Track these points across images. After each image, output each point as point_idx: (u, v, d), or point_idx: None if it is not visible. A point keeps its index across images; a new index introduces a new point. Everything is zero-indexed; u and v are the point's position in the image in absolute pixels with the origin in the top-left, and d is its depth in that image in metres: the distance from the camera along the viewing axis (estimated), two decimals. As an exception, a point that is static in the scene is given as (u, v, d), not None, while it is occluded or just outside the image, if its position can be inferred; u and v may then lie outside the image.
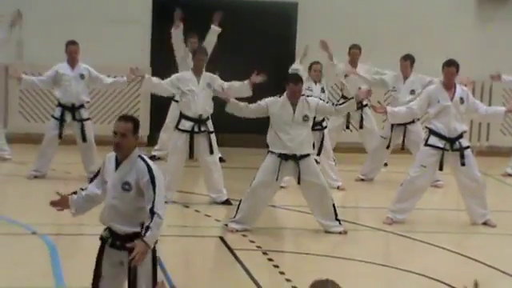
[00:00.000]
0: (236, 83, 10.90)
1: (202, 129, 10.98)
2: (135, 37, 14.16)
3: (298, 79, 9.91)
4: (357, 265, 8.94)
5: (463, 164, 10.34)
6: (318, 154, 11.80)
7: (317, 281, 4.38)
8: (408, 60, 12.69)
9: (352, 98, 10.17)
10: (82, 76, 12.04)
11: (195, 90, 10.94)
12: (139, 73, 11.11)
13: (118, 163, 6.12)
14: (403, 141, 12.57)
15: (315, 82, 12.13)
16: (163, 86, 10.98)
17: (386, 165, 13.35)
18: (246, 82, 10.75)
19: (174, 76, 11.17)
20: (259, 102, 9.94)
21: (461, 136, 10.42)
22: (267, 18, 14.98)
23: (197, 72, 11.04)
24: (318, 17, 14.97)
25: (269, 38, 14.78)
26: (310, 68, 12.25)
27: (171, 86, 10.98)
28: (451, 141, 10.37)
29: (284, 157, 9.77)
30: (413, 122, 12.44)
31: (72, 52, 12.00)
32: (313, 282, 4.37)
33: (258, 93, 10.54)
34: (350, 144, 14.12)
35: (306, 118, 9.82)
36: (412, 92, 12.46)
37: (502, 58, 14.77)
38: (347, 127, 13.62)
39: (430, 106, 10.42)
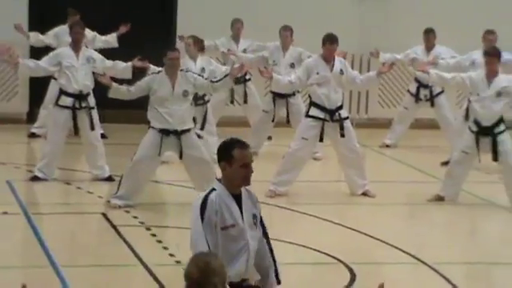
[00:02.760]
0: (120, 63, 10.90)
1: (83, 105, 10.88)
2: (12, 12, 13.83)
3: (174, 49, 10.11)
4: (240, 238, 9.01)
5: (343, 135, 10.55)
6: (202, 129, 11.79)
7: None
8: (288, 30, 12.84)
9: (226, 75, 10.13)
10: None
11: (75, 65, 10.82)
12: (12, 52, 10.71)
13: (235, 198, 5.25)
14: (287, 114, 12.71)
15: (193, 60, 11.78)
16: (41, 68, 10.79)
17: (269, 138, 13.47)
18: (129, 64, 10.78)
19: (52, 53, 11.06)
20: (138, 82, 9.98)
21: (340, 107, 10.63)
22: (147, 5, 14.89)
23: (75, 47, 10.92)
24: (197, 4, 14.90)
25: (149, 26, 14.60)
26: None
27: (50, 63, 10.80)
28: (331, 112, 10.57)
29: (165, 132, 9.78)
30: (293, 94, 12.61)
31: None
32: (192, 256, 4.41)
33: (140, 76, 10.44)
34: (234, 118, 14.17)
35: (185, 94, 9.85)
36: (292, 65, 12.60)
37: (378, 34, 15.05)
38: (231, 102, 13.67)
39: (309, 77, 10.59)
